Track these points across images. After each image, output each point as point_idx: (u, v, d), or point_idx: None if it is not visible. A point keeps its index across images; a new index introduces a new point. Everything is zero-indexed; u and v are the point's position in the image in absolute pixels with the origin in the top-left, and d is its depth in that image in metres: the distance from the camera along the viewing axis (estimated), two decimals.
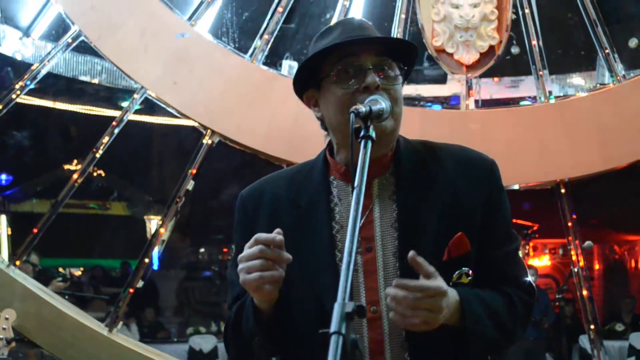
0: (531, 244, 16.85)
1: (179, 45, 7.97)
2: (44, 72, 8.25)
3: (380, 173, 2.76)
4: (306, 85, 2.80)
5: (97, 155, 8.10)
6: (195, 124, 7.96)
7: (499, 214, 2.76)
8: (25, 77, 8.08)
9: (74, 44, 8.18)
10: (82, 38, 8.08)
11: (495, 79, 10.95)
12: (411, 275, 2.53)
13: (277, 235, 2.50)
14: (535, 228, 16.01)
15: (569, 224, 7.72)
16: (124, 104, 11.27)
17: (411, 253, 2.48)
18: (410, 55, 2.79)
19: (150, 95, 7.97)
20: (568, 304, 13.02)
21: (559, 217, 7.81)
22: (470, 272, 2.66)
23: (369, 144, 2.47)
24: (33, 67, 8.17)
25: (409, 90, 10.38)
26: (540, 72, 7.93)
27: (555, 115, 7.79)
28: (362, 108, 2.51)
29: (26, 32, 9.88)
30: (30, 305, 7.60)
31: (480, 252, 2.70)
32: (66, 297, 9.93)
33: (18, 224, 13.96)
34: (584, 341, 11.27)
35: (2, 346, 6.90)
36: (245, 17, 8.69)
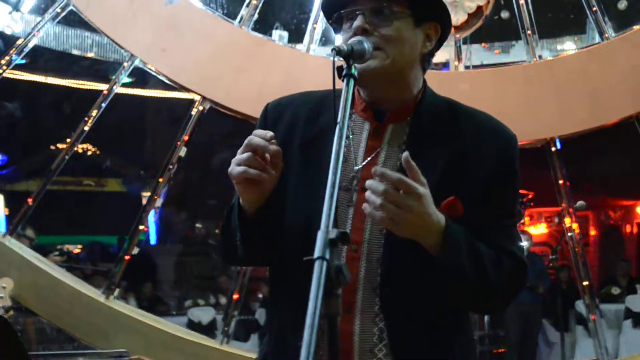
0: (526, 213, 16.89)
1: (168, 12, 7.98)
2: (31, 44, 8.26)
3: (397, 120, 2.77)
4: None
5: (87, 128, 8.09)
6: (186, 94, 8.02)
7: (503, 188, 2.74)
8: (12, 50, 8.09)
9: (63, 14, 8.19)
10: (70, 7, 8.09)
11: (485, 44, 10.98)
12: None
13: (271, 132, 2.56)
14: (530, 196, 16.03)
15: (560, 181, 7.75)
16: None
17: (405, 154, 2.49)
18: None
19: (139, 64, 7.99)
20: (563, 270, 13.08)
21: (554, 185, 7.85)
22: None
23: (351, 81, 2.50)
24: (19, 42, 8.18)
25: None
26: (529, 32, 7.96)
27: (544, 74, 7.81)
28: (344, 46, 2.55)
29: (15, 7, 9.88)
30: (27, 274, 7.67)
31: (475, 221, 2.67)
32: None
33: (15, 203, 13.99)
34: (580, 306, 11.30)
35: (0, 314, 6.92)
36: None
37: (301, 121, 2.84)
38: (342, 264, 2.08)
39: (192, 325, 12.14)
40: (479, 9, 7.95)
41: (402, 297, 2.64)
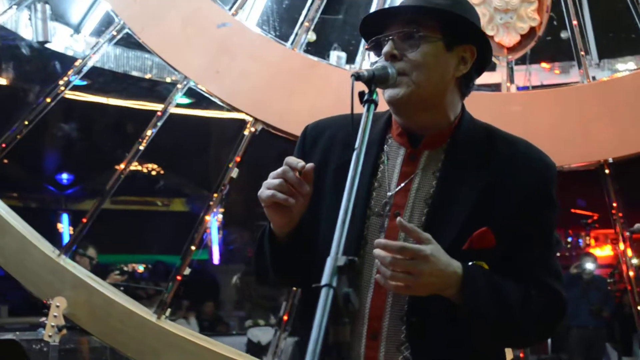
0: (592, 234, 16.71)
1: (221, 34, 8.06)
2: (88, 66, 8.39)
3: (433, 146, 2.78)
4: None
5: (141, 147, 8.20)
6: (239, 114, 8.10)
7: (538, 217, 2.73)
8: (70, 72, 8.24)
9: (118, 37, 8.33)
10: (126, 30, 8.22)
11: (545, 65, 10.90)
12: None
13: (303, 162, 2.57)
14: (595, 218, 15.88)
15: (614, 204, 7.65)
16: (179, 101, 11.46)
17: (398, 219, 2.53)
18: (450, 13, 2.76)
19: (194, 86, 8.08)
20: (627, 293, 12.88)
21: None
22: (486, 266, 2.65)
23: (372, 107, 2.52)
24: (77, 63, 8.32)
25: None
26: (582, 53, 7.88)
27: (597, 95, 7.71)
28: (364, 72, 2.57)
29: (77, 29, 10.07)
30: (80, 294, 7.75)
31: (508, 252, 2.69)
32: (121, 288, 10.14)
33: (79, 223, 14.21)
34: None
35: (54, 333, 7.03)
36: (285, 5, 8.75)
37: (338, 144, 2.86)
38: (351, 291, 2.10)
39: (252, 345, 12.22)
40: (532, 30, 7.89)
41: (428, 327, 2.65)
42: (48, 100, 8.16)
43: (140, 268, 15.57)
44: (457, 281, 2.54)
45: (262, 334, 12.52)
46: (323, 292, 2.07)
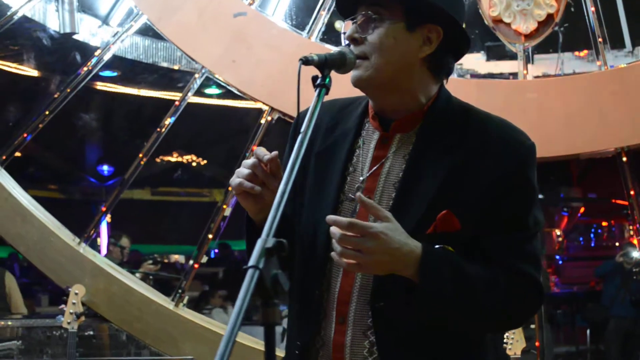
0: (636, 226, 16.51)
1: (237, 24, 8.09)
2: (109, 55, 8.47)
3: (404, 129, 2.76)
4: None
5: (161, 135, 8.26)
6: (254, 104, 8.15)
7: (510, 199, 2.64)
8: (89, 62, 8.33)
9: (136, 27, 8.42)
10: (144, 21, 8.28)
11: (578, 53, 10.77)
12: None
13: (268, 154, 2.59)
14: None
15: (632, 192, 7.56)
16: (207, 90, 11.52)
17: (357, 193, 2.53)
18: None
19: (211, 75, 8.13)
20: None
21: None
22: (452, 249, 2.59)
23: (323, 92, 2.53)
24: (97, 53, 8.41)
25: (489, 67, 10.28)
26: (600, 39, 7.80)
27: (614, 82, 7.64)
28: (314, 56, 2.57)
29: (105, 20, 10.17)
30: (99, 281, 7.87)
31: (477, 235, 2.64)
32: (150, 277, 10.23)
33: (118, 212, 14.35)
34: None
35: (72, 320, 7.12)
36: None
37: (322, 130, 2.86)
38: (280, 272, 2.07)
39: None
40: (549, 16, 7.82)
41: (393, 312, 2.62)
42: (68, 90, 8.22)
43: (179, 258, 15.67)
44: (414, 261, 2.49)
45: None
46: (248, 273, 2.05)
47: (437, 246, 2.56)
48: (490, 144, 2.68)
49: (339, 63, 2.62)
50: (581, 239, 18.58)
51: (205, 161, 15.02)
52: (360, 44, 2.71)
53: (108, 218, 14.74)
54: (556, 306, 14.19)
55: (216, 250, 15.34)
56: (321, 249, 2.70)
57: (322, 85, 2.53)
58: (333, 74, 2.59)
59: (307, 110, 2.93)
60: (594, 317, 13.56)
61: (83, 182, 15.43)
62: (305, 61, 2.55)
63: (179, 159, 15.20)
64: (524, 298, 2.66)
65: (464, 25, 2.81)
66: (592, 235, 18.65)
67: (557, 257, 17.51)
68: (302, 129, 2.42)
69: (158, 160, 15.09)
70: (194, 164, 15.26)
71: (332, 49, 7.97)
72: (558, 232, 17.85)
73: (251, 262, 2.06)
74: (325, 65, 2.57)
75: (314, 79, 2.55)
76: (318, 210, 2.73)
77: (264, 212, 2.63)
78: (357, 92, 2.78)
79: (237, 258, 14.73)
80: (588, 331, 13.37)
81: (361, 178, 2.75)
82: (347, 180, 2.77)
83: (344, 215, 2.67)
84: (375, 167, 2.74)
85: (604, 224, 18.44)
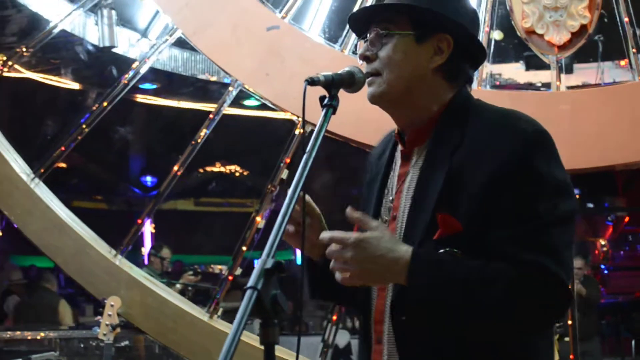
0: None
1: (271, 37, 8.13)
2: (145, 68, 8.53)
3: (421, 141, 2.77)
4: None
5: (197, 147, 8.32)
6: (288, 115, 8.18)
7: (514, 188, 2.53)
8: (126, 75, 8.39)
9: (171, 40, 8.48)
10: (179, 34, 8.35)
11: (621, 62, 10.69)
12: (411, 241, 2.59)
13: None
14: None
15: None
16: (246, 102, 11.60)
17: (347, 210, 2.54)
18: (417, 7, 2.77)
19: (244, 88, 8.18)
20: None
21: None
22: (458, 252, 2.54)
23: (330, 112, 2.56)
24: (134, 65, 8.48)
25: (528, 77, 10.26)
26: (634, 50, 7.74)
27: None
28: (320, 76, 2.60)
29: (144, 34, 10.30)
30: (135, 293, 7.92)
31: (483, 230, 2.54)
32: (189, 288, 10.31)
33: (161, 222, 14.50)
34: None
35: (108, 332, 7.19)
36: (334, 7, 8.76)
37: (374, 159, 2.98)
38: (279, 293, 2.13)
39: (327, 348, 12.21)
40: (583, 27, 7.77)
41: (414, 324, 2.61)
42: (105, 103, 8.29)
43: (222, 268, 15.73)
44: (403, 267, 2.47)
45: (339, 336, 12.50)
46: (247, 294, 2.10)
47: (441, 250, 2.54)
48: (489, 135, 2.62)
49: (348, 82, 2.66)
50: (627, 248, 18.43)
51: (247, 171, 15.11)
52: (372, 62, 2.75)
53: (152, 228, 14.92)
54: (601, 317, 14.08)
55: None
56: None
57: (329, 105, 2.56)
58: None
59: (378, 146, 2.99)
60: (639, 327, 13.47)
61: (127, 192, 15.62)
62: (311, 82, 2.59)
63: (222, 169, 15.32)
64: (535, 293, 2.48)
65: (477, 33, 2.87)
66: (638, 244, 18.49)
67: (602, 266, 17.40)
68: (308, 149, 2.45)
69: (201, 170, 15.24)
70: (237, 174, 15.36)
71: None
72: (603, 241, 17.72)
73: (250, 282, 2.11)
74: (332, 85, 2.59)
75: (322, 98, 2.58)
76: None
77: (316, 250, 2.78)
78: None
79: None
80: (633, 342, 13.26)
81: (390, 198, 2.78)
82: (383, 204, 2.81)
83: None
84: (399, 185, 2.77)
85: None
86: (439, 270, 2.50)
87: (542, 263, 2.45)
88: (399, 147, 2.83)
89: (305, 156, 2.42)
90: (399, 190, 2.75)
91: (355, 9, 7.60)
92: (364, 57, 2.76)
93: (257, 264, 2.14)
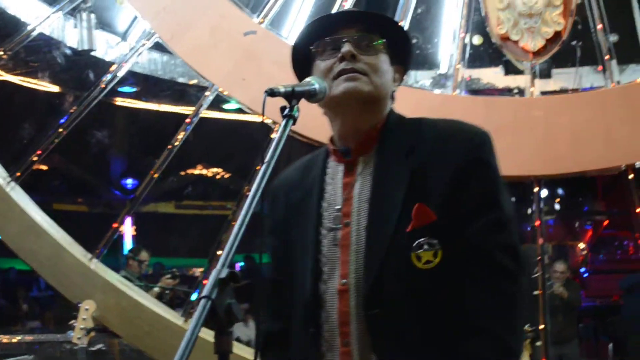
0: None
1: (247, 42, 8.14)
2: (122, 72, 8.53)
3: (365, 152, 2.82)
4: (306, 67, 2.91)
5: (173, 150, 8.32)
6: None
7: (473, 186, 2.68)
8: (104, 79, 8.39)
9: (149, 44, 8.49)
10: (156, 39, 8.35)
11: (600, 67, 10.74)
12: (375, 247, 2.68)
13: None
14: None
15: (638, 210, 7.53)
16: (226, 106, 11.59)
17: None
18: (396, 33, 2.88)
19: (220, 92, 8.18)
20: None
21: None
22: (435, 241, 2.62)
23: (290, 122, 2.57)
24: (112, 68, 8.48)
25: (507, 81, 10.28)
26: (607, 57, 7.78)
27: (619, 100, 7.63)
28: (280, 88, 2.61)
29: (123, 37, 10.29)
30: (110, 297, 7.91)
31: (454, 226, 2.65)
32: (167, 292, 10.27)
33: (142, 224, 14.50)
34: None
35: (82, 335, 7.17)
36: (311, 14, 8.78)
37: (295, 185, 2.94)
38: (233, 302, 2.15)
39: None
40: (557, 34, 7.83)
41: (391, 324, 2.66)
42: (83, 106, 8.28)
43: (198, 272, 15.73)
44: None
45: None
46: (201, 303, 2.11)
47: (418, 240, 2.65)
48: (442, 140, 2.75)
49: (309, 94, 2.66)
50: (605, 252, 18.51)
51: (229, 174, 15.11)
52: (357, 62, 2.75)
53: (133, 231, 14.90)
54: (579, 320, 14.13)
55: (242, 264, 15.43)
56: (315, 287, 2.76)
57: (289, 116, 2.56)
58: None
59: (277, 178, 3.00)
60: (616, 331, 13.51)
61: (108, 195, 15.60)
62: (271, 93, 2.59)
63: (203, 172, 15.32)
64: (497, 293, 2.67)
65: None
66: (616, 248, 18.56)
67: (582, 270, 17.46)
68: (266, 159, 2.45)
69: (182, 174, 15.23)
70: (217, 176, 15.36)
71: None
72: (582, 245, 17.80)
73: (204, 292, 2.11)
74: (293, 96, 2.59)
75: (282, 109, 2.58)
76: (303, 251, 2.81)
77: None
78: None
79: (263, 271, 14.74)
80: (610, 346, 13.31)
81: (337, 207, 2.80)
82: (324, 216, 2.82)
83: (327, 246, 2.77)
84: (347, 193, 2.80)
85: (629, 236, 18.35)
86: None
87: (506, 259, 2.66)
88: (333, 164, 2.87)
89: (264, 166, 2.41)
90: (349, 197, 2.79)
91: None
92: (352, 55, 2.75)
93: (212, 273, 2.14)
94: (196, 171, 15.41)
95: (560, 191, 15.79)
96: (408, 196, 2.67)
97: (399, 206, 2.67)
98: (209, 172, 15.52)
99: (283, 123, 2.55)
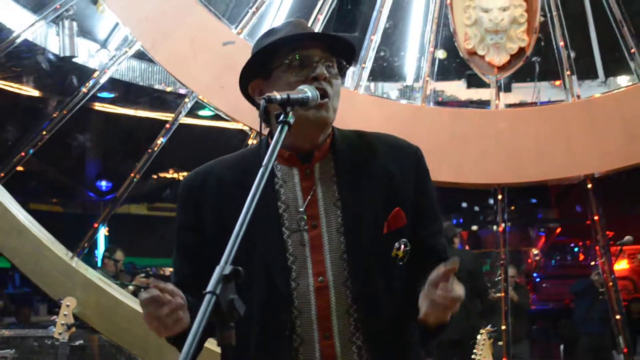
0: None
1: (226, 52, 8.17)
2: (104, 78, 8.55)
3: (321, 158, 2.88)
4: (253, 76, 2.94)
5: (153, 155, 8.34)
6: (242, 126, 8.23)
7: (425, 196, 2.92)
8: (87, 84, 8.40)
9: (130, 52, 8.51)
10: (138, 47, 8.37)
11: (556, 82, 10.88)
12: (355, 248, 2.77)
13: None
14: (610, 235, 15.75)
15: (596, 217, 7.66)
16: (199, 112, 11.61)
17: (446, 266, 2.55)
18: (349, 55, 2.92)
19: (200, 99, 8.22)
20: (634, 302, 12.85)
21: (629, 220, 7.78)
22: (408, 242, 2.82)
23: (285, 128, 2.58)
24: (95, 75, 8.49)
25: (469, 94, 10.38)
26: (568, 72, 7.92)
27: (581, 113, 7.77)
28: (278, 96, 2.63)
29: (103, 44, 10.28)
30: (90, 294, 7.91)
31: (413, 230, 2.84)
32: (142, 290, 10.25)
33: (115, 226, 14.43)
34: None
35: (64, 331, 7.17)
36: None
37: (230, 185, 2.90)
38: (236, 298, 2.15)
39: None
40: (521, 50, 7.95)
41: (374, 315, 2.79)
42: (65, 111, 8.29)
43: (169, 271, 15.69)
44: None
45: None
46: (206, 298, 2.11)
47: (399, 242, 2.82)
48: (396, 152, 2.93)
49: (301, 102, 2.69)
50: (557, 258, 18.70)
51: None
52: (327, 84, 2.79)
53: (105, 231, 14.84)
54: (532, 322, 14.29)
55: None
56: (283, 285, 2.79)
57: (284, 122, 2.59)
58: None
59: (195, 173, 2.98)
60: (567, 333, 13.64)
61: (83, 196, 15.53)
62: (268, 100, 2.61)
63: (175, 176, 15.28)
64: None
65: None
66: (568, 254, 18.75)
67: (535, 274, 17.62)
68: (265, 162, 2.47)
69: (155, 177, 15.18)
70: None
71: None
72: (535, 251, 17.95)
73: (209, 287, 2.12)
74: (288, 103, 2.63)
75: (277, 115, 2.61)
76: (267, 253, 2.82)
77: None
78: None
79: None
80: (562, 347, 13.44)
81: (301, 209, 2.85)
82: (284, 217, 2.85)
83: (295, 246, 2.82)
84: (309, 196, 2.86)
85: (580, 243, 18.56)
86: None
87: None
88: (284, 168, 2.90)
89: (262, 169, 2.44)
90: (312, 200, 2.85)
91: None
92: (325, 78, 2.80)
93: (216, 270, 2.15)
94: (168, 175, 15.36)
95: (516, 200, 15.97)
96: (379, 201, 2.81)
97: (373, 210, 2.80)
98: (179, 175, 15.46)
99: (279, 128, 2.57)
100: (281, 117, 2.59)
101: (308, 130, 2.82)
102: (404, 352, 2.86)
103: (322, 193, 2.85)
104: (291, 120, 2.58)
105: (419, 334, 2.83)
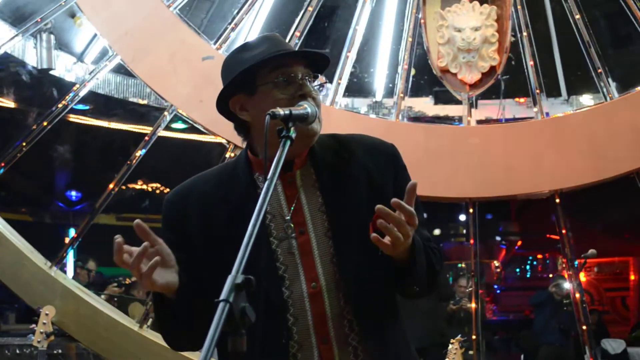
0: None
1: (205, 66, 8.24)
2: (84, 91, 8.59)
3: (301, 165, 2.91)
4: (234, 91, 2.96)
5: (132, 167, 8.38)
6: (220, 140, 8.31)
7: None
8: (67, 97, 8.44)
9: (111, 66, 8.55)
10: (118, 61, 8.42)
11: (520, 99, 11.03)
12: (344, 251, 2.82)
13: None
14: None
15: (564, 230, 7.81)
16: (175, 125, 11.63)
17: (393, 200, 2.63)
18: (323, 70, 2.97)
19: (179, 113, 8.28)
20: (593, 313, 12.97)
21: (593, 235, 7.91)
22: None
23: (288, 143, 2.65)
24: (75, 88, 8.52)
25: (436, 110, 10.51)
26: (537, 91, 8.08)
27: (549, 130, 7.93)
28: (281, 111, 2.70)
29: (80, 58, 10.29)
30: (69, 303, 7.93)
31: None
32: (115, 299, 10.28)
33: (84, 237, 14.35)
34: (605, 344, 11.32)
35: (42, 339, 7.17)
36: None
37: (214, 200, 2.94)
38: (247, 305, 2.19)
39: None
40: (492, 68, 8.11)
41: (367, 314, 2.85)
42: (44, 123, 8.32)
43: None
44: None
45: None
46: (220, 306, 2.16)
47: None
48: (372, 152, 2.98)
49: (302, 118, 2.76)
50: (518, 270, 18.86)
51: (168, 189, 15.03)
52: (313, 101, 2.87)
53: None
54: (494, 332, 14.42)
55: None
56: (277, 294, 2.83)
57: (286, 137, 2.65)
58: None
59: (177, 190, 3.01)
60: (527, 344, 13.78)
61: (52, 206, 15.43)
62: (273, 115, 2.66)
63: (144, 187, 15.24)
64: (442, 262, 3.06)
65: None
66: (527, 267, 18.92)
67: (495, 286, 17.75)
68: (269, 176, 2.53)
69: (124, 187, 15.13)
70: (157, 191, 15.28)
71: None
72: (497, 263, 18.09)
73: (222, 296, 2.18)
74: (290, 119, 2.69)
75: (279, 131, 2.67)
76: (256, 263, 2.70)
77: (171, 288, 2.72)
78: None
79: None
80: (522, 357, 13.56)
81: (287, 217, 2.89)
82: (272, 227, 2.89)
83: (284, 254, 2.85)
84: (294, 204, 2.90)
85: (539, 256, 18.75)
86: (424, 251, 2.85)
87: (436, 245, 2.99)
88: (260, 175, 2.92)
89: (267, 182, 2.50)
90: (297, 207, 2.90)
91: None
92: (311, 94, 2.88)
93: (229, 279, 2.20)
94: (137, 186, 15.31)
95: (478, 213, 16.11)
96: (363, 203, 2.82)
97: (358, 212, 2.83)
98: (149, 187, 15.42)
99: (282, 143, 2.62)
100: (283, 132, 2.67)
101: (299, 143, 2.81)
102: (397, 349, 2.92)
103: (306, 199, 2.89)
104: (293, 135, 2.65)
105: (395, 279, 2.86)
